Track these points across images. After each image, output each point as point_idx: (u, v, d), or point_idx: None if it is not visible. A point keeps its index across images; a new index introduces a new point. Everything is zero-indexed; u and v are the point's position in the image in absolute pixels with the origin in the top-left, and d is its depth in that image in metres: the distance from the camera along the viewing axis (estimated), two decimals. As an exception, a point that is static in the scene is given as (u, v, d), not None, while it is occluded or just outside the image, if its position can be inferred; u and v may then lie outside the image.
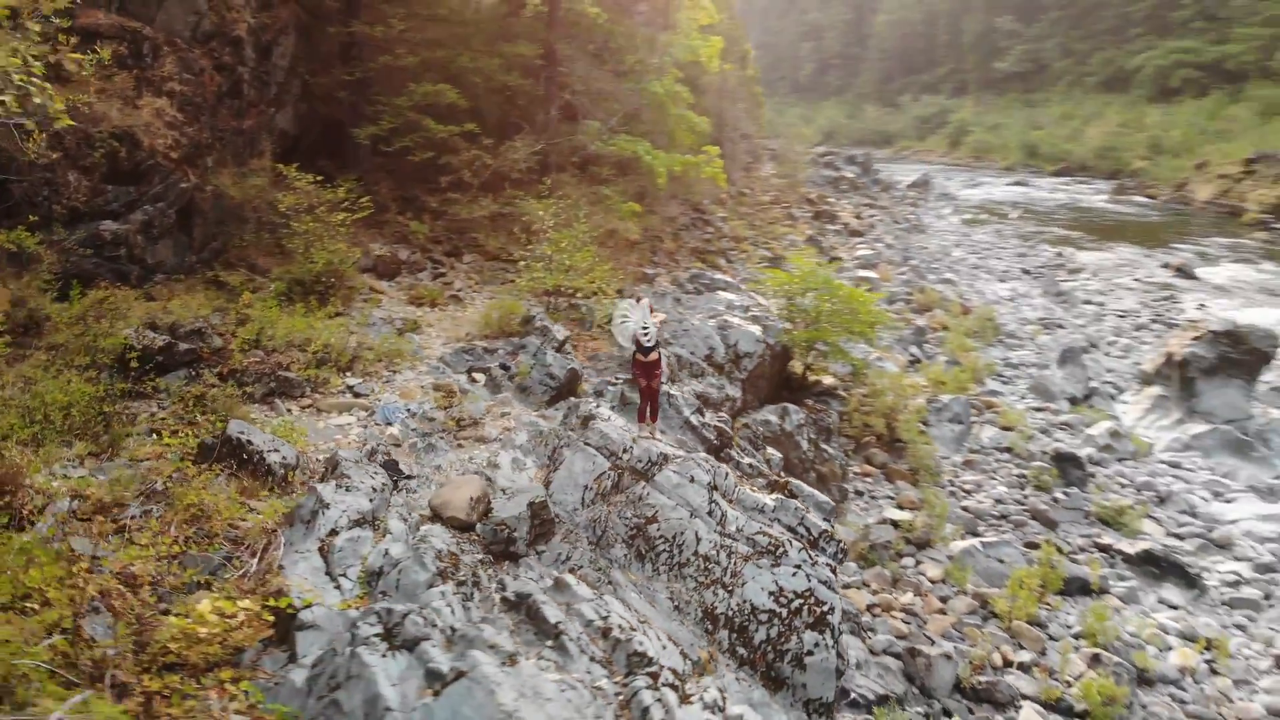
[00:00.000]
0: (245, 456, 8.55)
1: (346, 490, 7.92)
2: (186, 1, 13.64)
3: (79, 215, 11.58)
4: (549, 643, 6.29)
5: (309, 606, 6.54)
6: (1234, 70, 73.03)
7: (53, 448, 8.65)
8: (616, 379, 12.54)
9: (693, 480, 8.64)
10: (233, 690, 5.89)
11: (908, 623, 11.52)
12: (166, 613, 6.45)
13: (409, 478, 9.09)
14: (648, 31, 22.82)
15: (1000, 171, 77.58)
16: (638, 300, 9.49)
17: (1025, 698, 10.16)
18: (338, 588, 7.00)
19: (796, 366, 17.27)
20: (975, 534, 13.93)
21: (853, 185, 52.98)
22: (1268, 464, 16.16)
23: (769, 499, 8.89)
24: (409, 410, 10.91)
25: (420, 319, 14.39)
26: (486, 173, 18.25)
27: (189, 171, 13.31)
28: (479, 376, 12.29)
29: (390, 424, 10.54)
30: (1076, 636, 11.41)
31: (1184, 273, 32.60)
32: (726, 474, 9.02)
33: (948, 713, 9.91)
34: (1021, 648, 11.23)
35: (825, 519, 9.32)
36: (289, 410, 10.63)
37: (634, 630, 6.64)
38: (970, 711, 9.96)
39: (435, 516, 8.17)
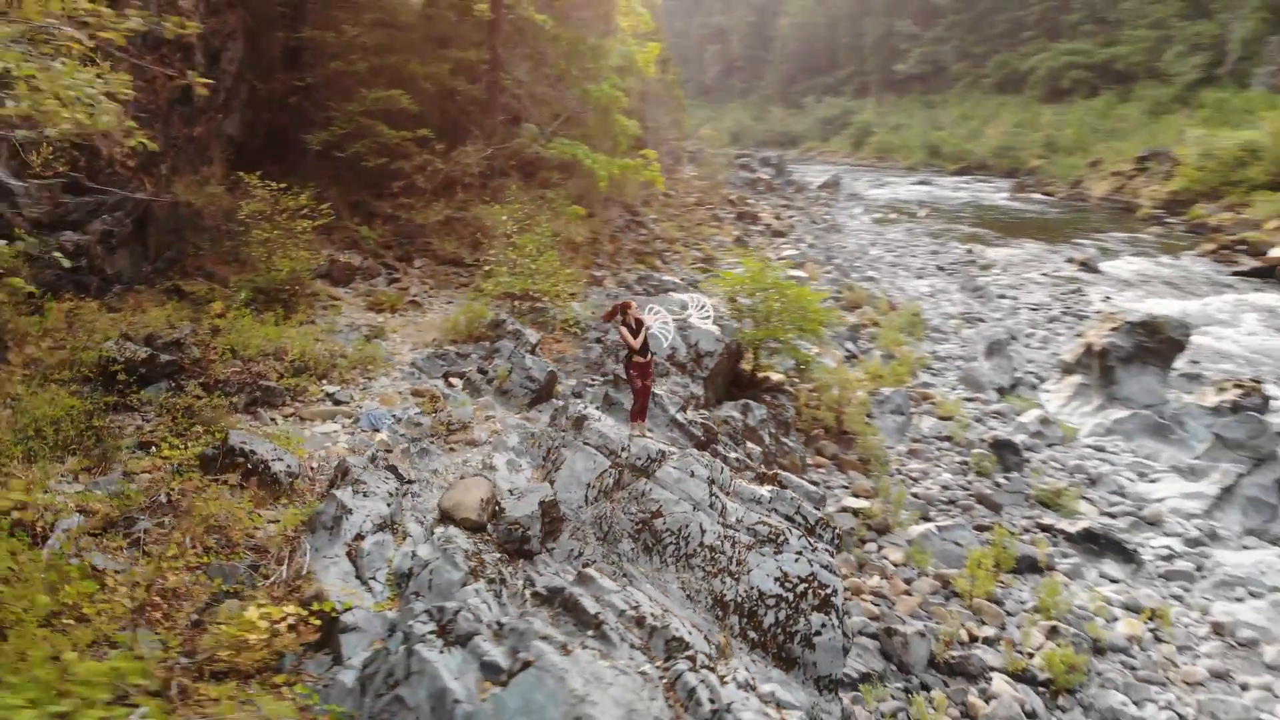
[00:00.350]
0: (250, 466, 8.57)
1: (364, 496, 8.04)
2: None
3: (40, 226, 11.32)
4: (590, 632, 6.56)
5: (349, 609, 6.67)
6: (1123, 71, 77.05)
7: (46, 463, 8.53)
8: (592, 380, 12.83)
9: (693, 475, 8.99)
10: (287, 694, 6.02)
11: (878, 604, 12.07)
12: (199, 623, 6.52)
13: (410, 482, 9.20)
14: (590, 37, 23.06)
15: (904, 171, 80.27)
16: (633, 302, 9.83)
17: (994, 669, 10.81)
18: (369, 590, 7.14)
19: (745, 364, 17.76)
20: (928, 519, 14.62)
21: (769, 186, 54.31)
22: (1185, 445, 17.29)
23: (764, 490, 9.31)
24: (395, 416, 10.99)
25: (384, 325, 14.39)
26: (439, 178, 18.26)
27: (145, 180, 13.08)
28: (456, 381, 12.41)
29: (378, 430, 10.62)
30: (1033, 611, 12.15)
31: (1088, 267, 34.35)
32: (722, 468, 9.40)
33: (926, 686, 10.48)
34: (984, 623, 11.89)
35: (817, 507, 9.79)
36: (272, 419, 10.61)
37: (665, 617, 6.97)
38: (946, 684, 10.55)
39: (446, 518, 8.31)
